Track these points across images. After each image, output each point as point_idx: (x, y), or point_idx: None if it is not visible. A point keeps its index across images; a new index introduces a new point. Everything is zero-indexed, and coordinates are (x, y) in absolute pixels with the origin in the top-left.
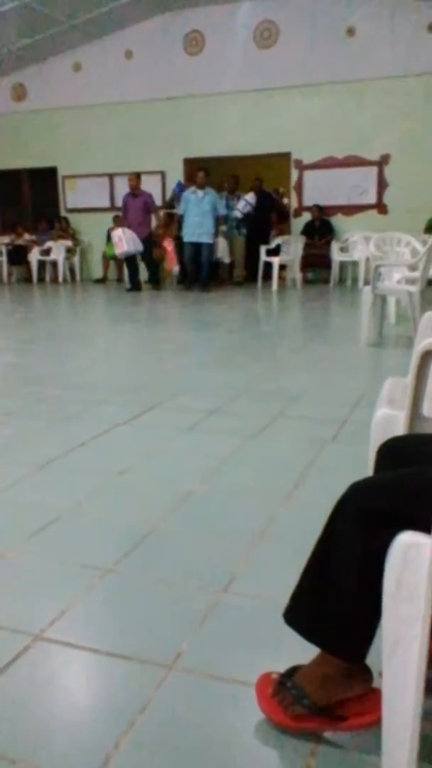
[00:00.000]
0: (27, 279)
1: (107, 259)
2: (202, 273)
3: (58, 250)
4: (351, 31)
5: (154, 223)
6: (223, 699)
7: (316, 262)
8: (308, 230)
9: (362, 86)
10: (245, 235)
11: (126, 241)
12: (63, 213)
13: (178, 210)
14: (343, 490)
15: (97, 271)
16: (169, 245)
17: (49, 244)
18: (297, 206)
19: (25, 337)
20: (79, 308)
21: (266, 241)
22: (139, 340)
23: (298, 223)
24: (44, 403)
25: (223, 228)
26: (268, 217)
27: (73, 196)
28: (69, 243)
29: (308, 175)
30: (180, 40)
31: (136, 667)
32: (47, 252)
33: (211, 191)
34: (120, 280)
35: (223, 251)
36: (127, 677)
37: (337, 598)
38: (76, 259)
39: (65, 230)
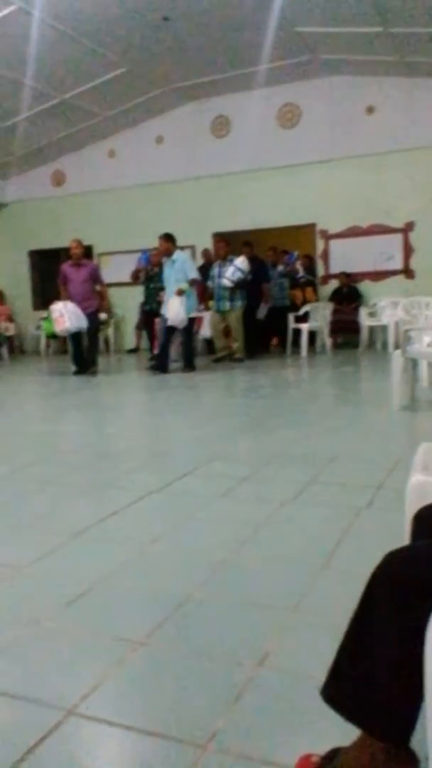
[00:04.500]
0: (63, 351)
1: (48, 337)
2: (184, 352)
3: None
4: (371, 110)
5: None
6: None
7: (346, 327)
8: (336, 296)
9: (383, 159)
10: (242, 307)
11: (68, 317)
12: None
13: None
14: (379, 559)
15: (130, 342)
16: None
17: None
18: (324, 273)
19: (60, 406)
20: (112, 378)
21: (253, 315)
22: (171, 408)
23: (326, 290)
24: (79, 471)
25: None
26: (259, 288)
27: (108, 271)
28: (104, 315)
29: (334, 244)
30: (208, 124)
31: (170, 746)
32: None
33: (180, 255)
34: (151, 349)
35: (176, 317)
36: (161, 757)
37: (376, 675)
38: (110, 331)
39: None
